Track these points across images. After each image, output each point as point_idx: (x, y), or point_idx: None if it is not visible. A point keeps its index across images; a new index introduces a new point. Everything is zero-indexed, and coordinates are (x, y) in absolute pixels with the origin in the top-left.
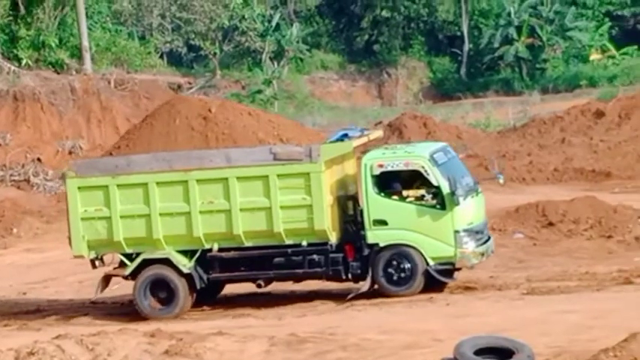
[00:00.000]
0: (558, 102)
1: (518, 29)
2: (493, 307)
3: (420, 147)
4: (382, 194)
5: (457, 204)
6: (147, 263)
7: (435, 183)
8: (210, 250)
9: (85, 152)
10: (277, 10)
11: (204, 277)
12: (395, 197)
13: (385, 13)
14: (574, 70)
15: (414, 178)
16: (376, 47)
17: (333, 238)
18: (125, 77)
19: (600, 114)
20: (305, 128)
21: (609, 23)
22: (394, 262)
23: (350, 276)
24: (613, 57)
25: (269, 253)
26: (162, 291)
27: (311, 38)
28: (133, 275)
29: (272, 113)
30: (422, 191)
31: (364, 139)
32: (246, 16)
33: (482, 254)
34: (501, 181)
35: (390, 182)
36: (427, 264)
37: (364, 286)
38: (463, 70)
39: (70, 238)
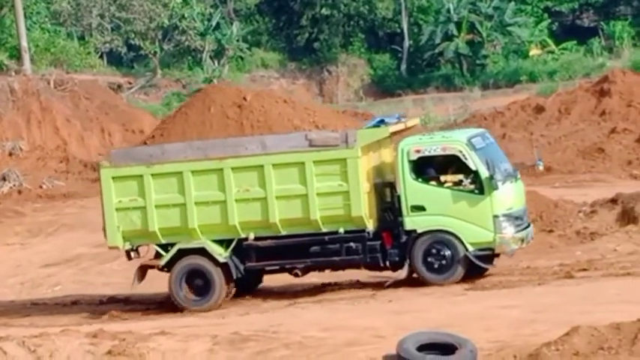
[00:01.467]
0: (499, 97)
1: (458, 25)
2: (435, 303)
3: (458, 132)
4: (420, 180)
5: (496, 188)
6: (182, 253)
7: (473, 167)
8: (246, 239)
9: (25, 153)
10: (217, 8)
11: (241, 266)
12: (432, 183)
13: (325, 11)
14: (514, 66)
15: (451, 163)
16: (316, 45)
17: (371, 226)
18: (65, 77)
19: (540, 109)
20: (342, 115)
21: (548, 19)
22: (434, 250)
23: (388, 264)
24: (552, 52)
25: (306, 241)
26: (199, 281)
27: (251, 37)
28: (169, 266)
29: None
30: (460, 176)
31: (401, 126)
32: (185, 15)
33: (522, 240)
34: (541, 167)
35: (427, 168)
36: (466, 250)
37: (402, 273)
38: (403, 67)
39: (104, 229)
